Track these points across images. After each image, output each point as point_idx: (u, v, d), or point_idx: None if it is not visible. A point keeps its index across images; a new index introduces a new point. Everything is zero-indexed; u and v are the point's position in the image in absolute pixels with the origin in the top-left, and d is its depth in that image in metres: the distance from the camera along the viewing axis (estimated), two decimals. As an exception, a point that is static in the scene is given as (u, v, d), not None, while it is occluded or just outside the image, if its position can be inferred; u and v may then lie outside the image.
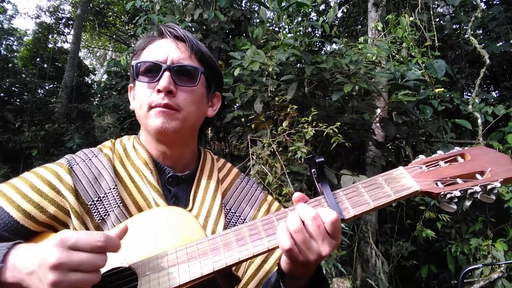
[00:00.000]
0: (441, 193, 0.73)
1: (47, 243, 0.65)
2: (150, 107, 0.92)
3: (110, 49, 15.62)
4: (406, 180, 0.76)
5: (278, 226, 0.73)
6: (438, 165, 0.78)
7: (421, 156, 0.82)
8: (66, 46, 11.87)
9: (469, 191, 0.72)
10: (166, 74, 0.91)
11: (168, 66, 0.92)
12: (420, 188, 0.74)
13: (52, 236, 0.83)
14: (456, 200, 0.72)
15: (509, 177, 0.72)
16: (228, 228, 0.96)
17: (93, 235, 0.66)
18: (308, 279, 0.81)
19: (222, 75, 1.11)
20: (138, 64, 0.96)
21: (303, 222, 0.72)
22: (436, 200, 0.75)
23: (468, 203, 0.72)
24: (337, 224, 0.72)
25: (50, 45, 11.36)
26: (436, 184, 0.74)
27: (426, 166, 0.78)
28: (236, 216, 1.01)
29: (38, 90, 9.52)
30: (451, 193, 0.72)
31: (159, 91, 0.91)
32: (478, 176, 0.74)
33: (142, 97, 0.94)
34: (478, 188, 0.72)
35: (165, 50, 0.95)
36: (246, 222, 1.00)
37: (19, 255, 0.68)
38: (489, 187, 0.71)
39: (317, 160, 0.78)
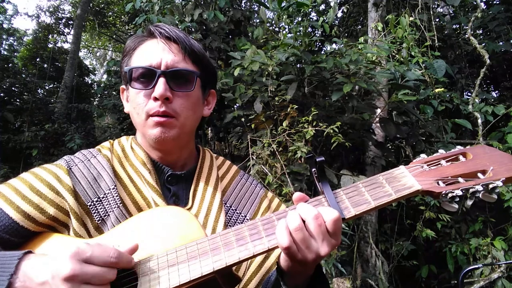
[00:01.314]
0: (443, 192, 0.72)
1: (61, 254, 0.65)
2: (148, 115, 0.90)
3: (110, 49, 15.63)
4: (407, 179, 0.76)
5: (278, 224, 0.73)
6: (439, 164, 0.78)
7: (422, 155, 0.81)
8: (66, 46, 11.91)
9: (471, 190, 0.71)
10: (162, 81, 0.88)
11: (162, 71, 0.89)
12: (421, 187, 0.73)
13: (67, 245, 0.83)
14: (457, 199, 0.72)
15: (511, 176, 0.71)
16: (229, 225, 0.97)
17: (106, 250, 0.68)
18: (308, 278, 0.80)
19: (216, 72, 1.09)
20: (131, 70, 0.93)
21: (303, 221, 0.71)
22: (437, 200, 0.74)
23: (469, 202, 0.71)
24: (338, 223, 0.71)
25: (50, 45, 11.37)
26: (438, 183, 0.74)
27: (428, 165, 0.78)
28: (237, 213, 1.01)
29: (38, 90, 9.53)
30: (453, 192, 0.71)
31: (155, 98, 0.89)
32: (480, 175, 0.74)
33: (138, 104, 0.92)
34: (480, 187, 0.71)
35: (158, 53, 0.92)
36: (246, 219, 1.01)
37: (30, 265, 0.68)
38: (491, 186, 0.70)
39: (317, 160, 0.77)
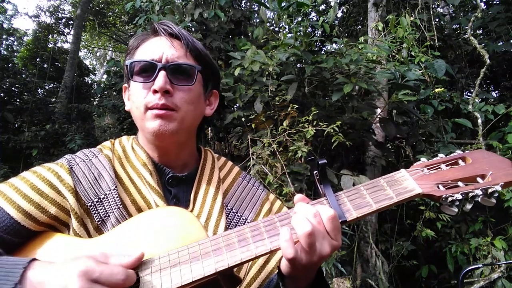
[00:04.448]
0: (443, 196, 0.73)
1: (70, 269, 0.64)
2: (147, 108, 0.90)
3: (110, 49, 15.62)
4: (408, 182, 0.76)
5: (281, 234, 0.72)
6: (439, 168, 0.79)
7: (423, 159, 0.82)
8: (66, 46, 11.89)
9: (470, 194, 0.72)
10: (162, 74, 0.88)
11: (163, 65, 0.89)
12: (422, 191, 0.74)
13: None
14: (457, 203, 0.73)
15: (510, 181, 0.73)
16: (229, 228, 0.96)
17: (114, 271, 0.66)
18: (309, 281, 0.80)
19: (219, 73, 1.09)
20: (132, 64, 0.93)
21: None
22: (438, 203, 0.75)
23: (469, 206, 0.73)
24: (335, 221, 0.71)
25: (50, 45, 11.35)
26: (438, 187, 0.75)
27: (428, 169, 0.79)
28: (238, 216, 1.00)
29: (38, 90, 9.52)
30: (453, 196, 0.72)
31: (155, 91, 0.88)
32: (479, 179, 0.75)
33: (138, 98, 0.92)
34: (479, 192, 0.72)
35: (159, 48, 0.92)
36: (247, 222, 0.99)
37: (36, 275, 0.66)
38: (490, 190, 0.72)
39: (319, 162, 0.78)
